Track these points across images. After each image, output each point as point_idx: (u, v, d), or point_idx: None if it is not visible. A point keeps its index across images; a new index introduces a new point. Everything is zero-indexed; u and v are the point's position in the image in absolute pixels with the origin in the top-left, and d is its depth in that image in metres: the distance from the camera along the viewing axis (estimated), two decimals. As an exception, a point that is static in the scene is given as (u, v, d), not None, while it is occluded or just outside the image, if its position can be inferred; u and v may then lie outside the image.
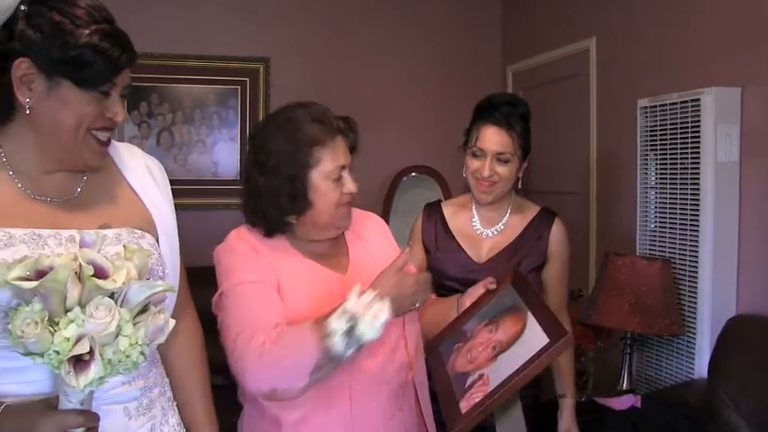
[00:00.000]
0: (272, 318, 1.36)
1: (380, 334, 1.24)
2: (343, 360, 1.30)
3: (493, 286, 1.51)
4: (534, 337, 1.27)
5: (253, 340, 1.32)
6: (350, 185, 1.47)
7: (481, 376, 1.29)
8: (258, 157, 1.45)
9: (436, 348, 1.47)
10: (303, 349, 1.28)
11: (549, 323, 1.28)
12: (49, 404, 1.00)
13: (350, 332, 1.21)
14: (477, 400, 1.24)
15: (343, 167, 1.45)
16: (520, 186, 1.95)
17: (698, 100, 2.38)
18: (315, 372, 1.29)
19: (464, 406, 1.25)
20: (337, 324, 1.22)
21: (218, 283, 1.46)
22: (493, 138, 1.85)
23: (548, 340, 1.24)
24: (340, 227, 1.52)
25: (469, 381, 1.31)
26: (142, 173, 1.27)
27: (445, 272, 1.91)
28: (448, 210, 2.03)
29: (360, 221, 1.64)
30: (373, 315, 1.21)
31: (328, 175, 1.43)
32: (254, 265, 1.43)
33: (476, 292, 1.52)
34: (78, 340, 0.88)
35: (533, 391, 1.95)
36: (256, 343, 1.32)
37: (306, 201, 1.43)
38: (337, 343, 1.23)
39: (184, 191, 3.62)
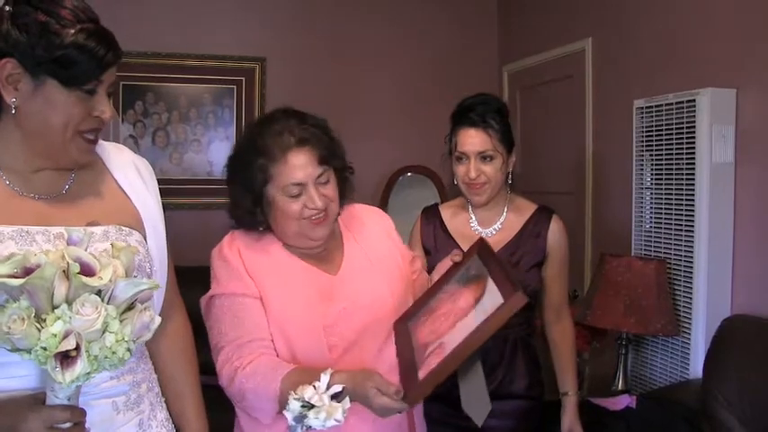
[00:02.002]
0: (252, 335, 1.39)
1: (333, 426, 1.16)
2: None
3: (458, 259, 1.52)
4: (491, 301, 1.26)
5: (228, 364, 1.38)
6: (313, 201, 1.40)
7: (441, 344, 1.28)
8: (229, 162, 1.49)
9: (405, 324, 1.46)
10: (265, 401, 1.30)
11: (504, 285, 1.26)
12: (36, 399, 1.01)
13: (301, 417, 1.17)
14: (433, 366, 1.23)
15: (300, 185, 1.40)
16: (510, 181, 1.95)
17: (693, 101, 2.38)
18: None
19: (421, 374, 1.24)
20: (292, 404, 1.17)
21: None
22: (471, 139, 1.86)
23: (502, 301, 1.22)
24: (314, 238, 1.46)
25: (429, 350, 1.30)
26: (130, 171, 1.28)
27: None
28: (446, 212, 2.03)
29: (360, 219, 1.62)
30: (327, 412, 1.15)
31: (283, 190, 1.40)
32: (241, 276, 1.43)
33: (443, 266, 1.53)
34: (65, 337, 0.88)
35: (536, 392, 1.94)
36: (230, 369, 1.37)
37: (264, 213, 1.45)
38: (290, 418, 1.18)
39: (180, 190, 3.64)
